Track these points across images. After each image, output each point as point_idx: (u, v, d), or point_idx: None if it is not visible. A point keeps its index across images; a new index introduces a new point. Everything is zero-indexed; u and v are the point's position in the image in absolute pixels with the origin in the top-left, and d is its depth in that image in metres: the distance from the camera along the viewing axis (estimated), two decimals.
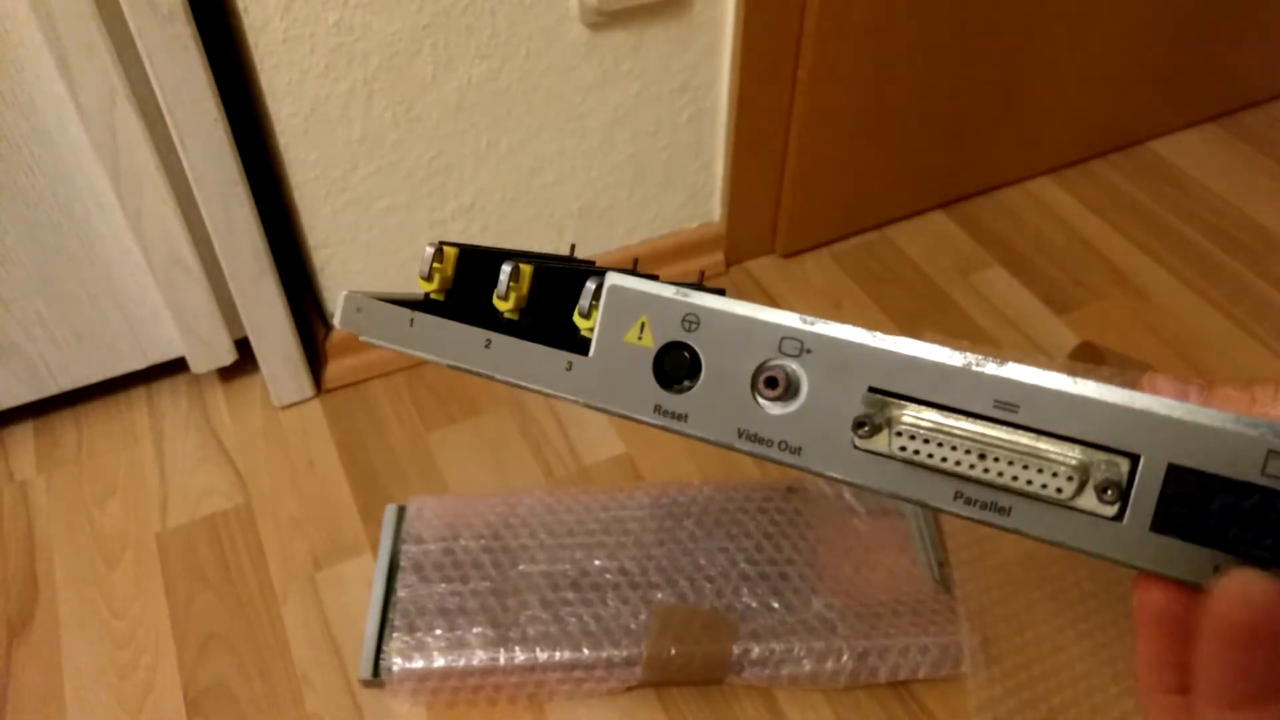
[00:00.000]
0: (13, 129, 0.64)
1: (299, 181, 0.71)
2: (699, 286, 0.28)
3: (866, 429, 0.22)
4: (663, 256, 0.90)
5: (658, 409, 0.24)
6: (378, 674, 0.62)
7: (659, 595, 0.64)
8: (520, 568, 0.65)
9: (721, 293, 0.27)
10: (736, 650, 0.61)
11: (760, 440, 0.23)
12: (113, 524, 0.73)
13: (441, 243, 0.27)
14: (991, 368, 0.20)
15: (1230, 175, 1.04)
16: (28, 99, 0.63)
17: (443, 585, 0.64)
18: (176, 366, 0.81)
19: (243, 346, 0.79)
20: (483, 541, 0.67)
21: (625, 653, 0.61)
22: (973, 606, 0.65)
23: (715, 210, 0.91)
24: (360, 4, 0.65)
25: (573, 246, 0.35)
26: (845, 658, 0.61)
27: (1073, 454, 0.20)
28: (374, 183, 0.74)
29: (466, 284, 0.27)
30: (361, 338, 0.27)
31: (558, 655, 0.61)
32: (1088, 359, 0.81)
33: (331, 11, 0.64)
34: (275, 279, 0.74)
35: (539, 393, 0.25)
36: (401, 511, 0.69)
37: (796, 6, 0.78)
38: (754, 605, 0.63)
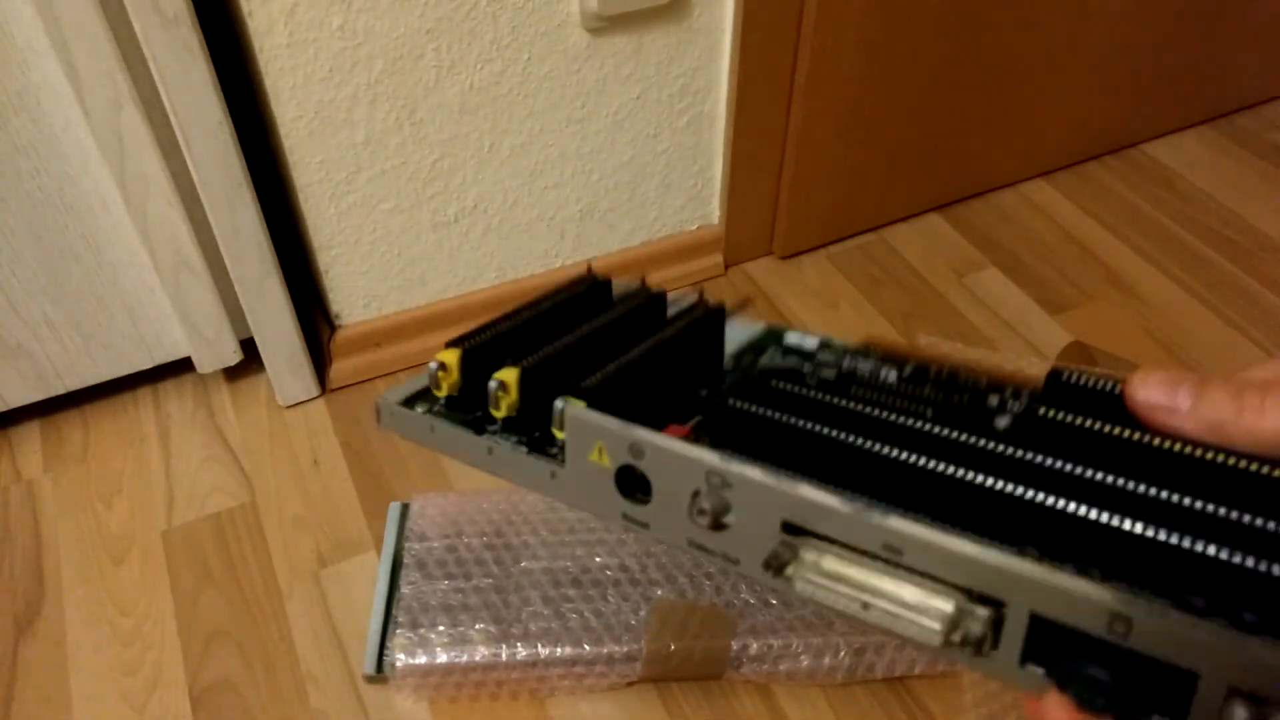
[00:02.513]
0: (19, 132, 0.65)
1: (304, 184, 0.72)
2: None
3: (774, 569, 0.24)
4: (662, 258, 0.91)
5: (625, 516, 0.27)
6: (381, 670, 0.62)
7: (659, 592, 0.64)
8: (522, 564, 0.66)
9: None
10: (735, 646, 0.62)
11: (706, 550, 0.26)
12: (119, 522, 0.73)
13: (445, 350, 0.30)
14: (876, 518, 0.23)
15: (1223, 177, 1.05)
16: (34, 102, 0.64)
17: (446, 582, 0.65)
18: (182, 366, 0.82)
19: (248, 346, 0.80)
20: (485, 539, 0.67)
21: (626, 648, 0.62)
22: None
23: (714, 213, 0.92)
24: (364, 9, 0.66)
25: (589, 267, 0.37)
26: (842, 653, 0.62)
27: (946, 605, 0.22)
28: (378, 185, 0.74)
29: (474, 380, 0.30)
30: (398, 436, 0.32)
31: (559, 651, 0.61)
32: (1077, 359, 0.82)
33: (335, 16, 0.65)
34: (280, 280, 0.75)
35: (535, 491, 0.29)
36: (405, 509, 0.70)
37: (794, 11, 0.79)
38: (752, 601, 0.64)
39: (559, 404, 0.27)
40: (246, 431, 0.80)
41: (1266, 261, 0.95)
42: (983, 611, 0.22)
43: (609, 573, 0.65)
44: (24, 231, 0.69)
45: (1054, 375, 0.28)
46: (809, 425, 0.26)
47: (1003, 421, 0.28)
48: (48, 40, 0.61)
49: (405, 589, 0.65)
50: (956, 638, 0.22)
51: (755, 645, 0.62)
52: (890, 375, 0.30)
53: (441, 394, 0.30)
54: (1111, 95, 1.02)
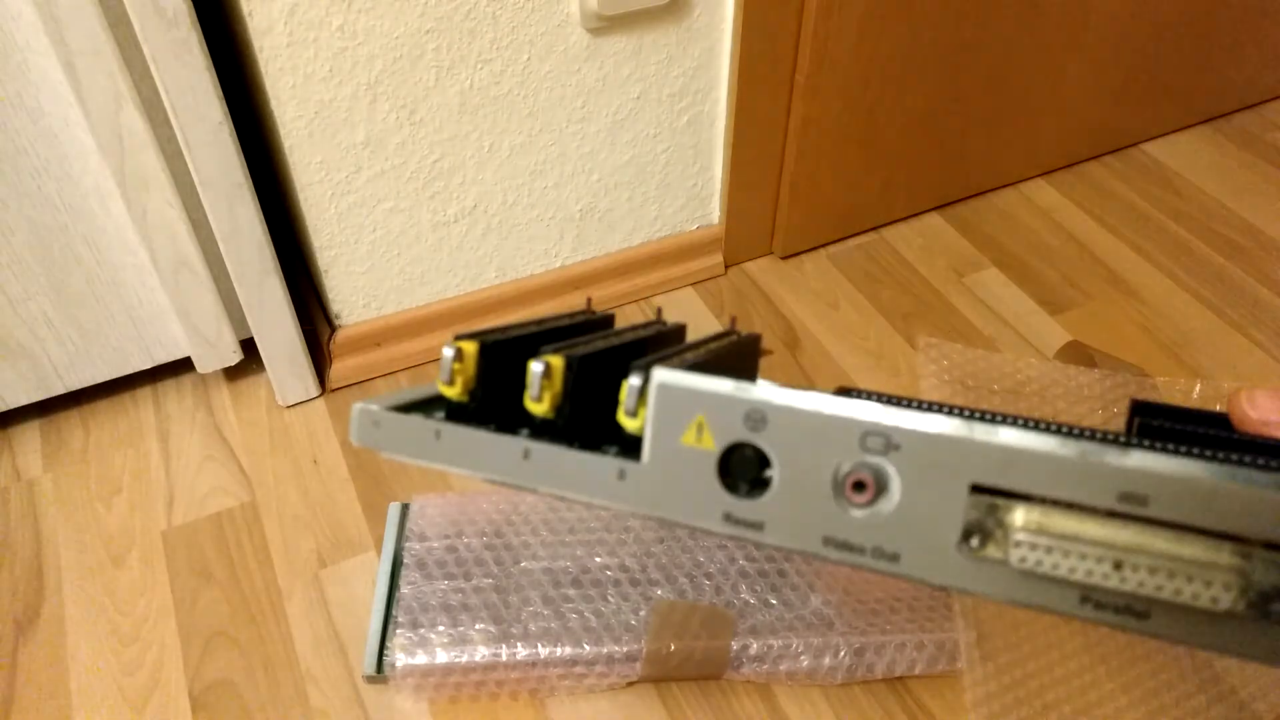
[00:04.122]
0: (20, 131, 0.65)
1: (304, 184, 0.72)
2: (721, 336, 0.26)
3: (977, 539, 0.19)
4: (662, 258, 0.91)
5: (728, 517, 0.21)
6: (381, 670, 0.63)
7: (659, 592, 0.64)
8: (522, 565, 0.66)
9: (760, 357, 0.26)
10: (735, 646, 0.62)
11: (850, 548, 0.20)
12: (119, 522, 0.73)
13: (458, 340, 0.24)
14: (1113, 456, 0.17)
15: (1223, 177, 1.05)
16: (34, 102, 0.64)
17: (445, 582, 0.65)
18: (182, 366, 0.82)
19: (248, 346, 0.80)
20: (485, 539, 0.67)
21: (625, 648, 0.62)
22: (968, 603, 0.66)
23: (714, 213, 0.92)
24: (363, 8, 0.66)
25: (588, 300, 0.32)
26: (842, 653, 0.62)
27: (1224, 556, 0.17)
28: (377, 185, 0.74)
29: (492, 381, 0.24)
30: (383, 454, 0.25)
31: (559, 651, 0.61)
32: (1075, 359, 0.82)
33: (335, 16, 0.65)
34: (280, 280, 0.75)
35: (591, 504, 0.23)
36: (405, 509, 0.70)
37: (794, 11, 0.79)
38: (752, 601, 0.64)
39: (635, 380, 0.21)
40: (246, 431, 0.80)
41: (1267, 261, 0.95)
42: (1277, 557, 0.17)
43: (609, 573, 0.65)
44: (24, 231, 0.69)
45: (1139, 406, 0.23)
46: None
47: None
48: (48, 40, 0.61)
49: (405, 589, 0.65)
50: (1255, 596, 0.17)
51: (755, 645, 0.62)
52: None
53: (453, 392, 0.24)
54: (1111, 95, 1.02)
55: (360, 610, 0.68)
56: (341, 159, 0.72)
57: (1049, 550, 0.18)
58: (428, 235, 0.79)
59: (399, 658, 0.61)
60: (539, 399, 0.23)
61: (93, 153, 0.67)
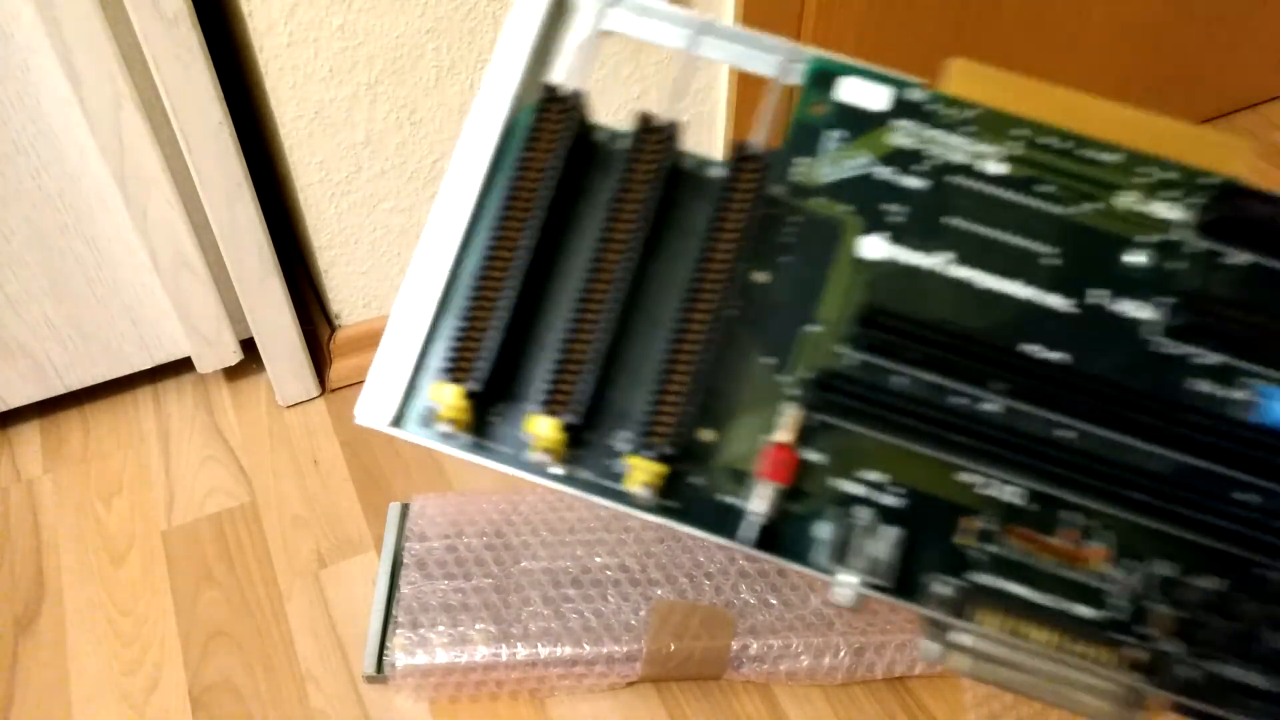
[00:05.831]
0: (19, 131, 0.65)
1: (304, 184, 0.72)
2: None
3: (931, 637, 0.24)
4: None
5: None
6: (381, 670, 0.63)
7: (659, 592, 0.64)
8: (522, 564, 0.66)
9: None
10: (735, 646, 0.62)
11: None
12: (119, 522, 0.73)
13: (441, 398, 0.24)
14: (1053, 685, 0.22)
15: None
16: (34, 102, 0.64)
17: (445, 582, 0.65)
18: (182, 366, 0.82)
19: (248, 346, 0.80)
20: (485, 539, 0.67)
21: (625, 648, 0.62)
22: None
23: None
24: (364, 8, 0.66)
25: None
26: (842, 653, 0.62)
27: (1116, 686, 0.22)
28: (377, 185, 0.74)
29: (489, 407, 0.25)
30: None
31: (559, 651, 0.61)
32: None
33: (335, 16, 0.65)
34: (280, 280, 0.75)
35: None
36: (405, 509, 0.70)
37: (794, 11, 0.79)
38: (752, 601, 0.64)
39: (641, 492, 0.23)
40: (246, 431, 0.80)
41: None
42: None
43: (609, 573, 0.65)
44: (24, 231, 0.69)
45: (1228, 192, 0.22)
46: (921, 414, 0.22)
47: (1136, 258, 0.23)
48: (48, 40, 0.61)
49: (405, 589, 0.65)
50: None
51: (755, 645, 0.62)
52: (990, 161, 0.25)
53: (461, 425, 0.25)
54: (1112, 95, 1.02)
55: (360, 610, 0.68)
56: (341, 159, 0.72)
57: (973, 663, 0.23)
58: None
59: (399, 658, 0.61)
60: (549, 461, 0.24)
61: (93, 153, 0.67)
